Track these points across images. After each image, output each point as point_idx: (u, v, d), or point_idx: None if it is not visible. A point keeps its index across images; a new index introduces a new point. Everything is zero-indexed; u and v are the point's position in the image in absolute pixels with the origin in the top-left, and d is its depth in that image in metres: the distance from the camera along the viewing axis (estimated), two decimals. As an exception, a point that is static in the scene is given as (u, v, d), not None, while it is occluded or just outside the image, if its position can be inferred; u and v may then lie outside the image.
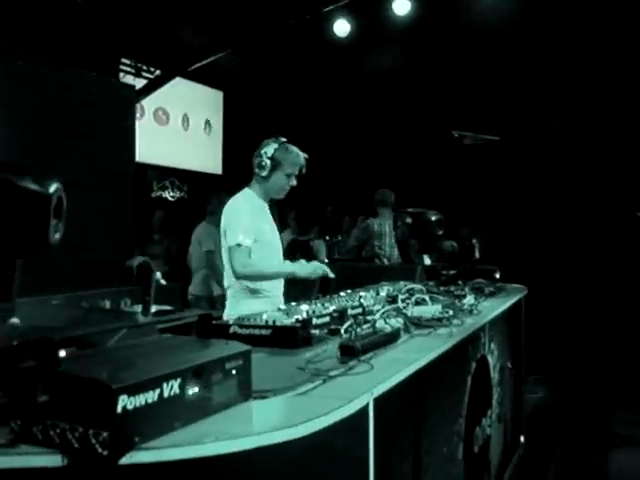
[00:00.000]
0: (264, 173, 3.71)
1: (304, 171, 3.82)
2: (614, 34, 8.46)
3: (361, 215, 8.94)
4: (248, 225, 3.65)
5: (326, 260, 7.63)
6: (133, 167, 7.59)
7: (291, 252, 5.88)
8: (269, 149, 3.70)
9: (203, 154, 11.12)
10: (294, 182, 3.79)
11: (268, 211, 3.91)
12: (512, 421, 4.68)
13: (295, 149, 3.77)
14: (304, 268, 3.73)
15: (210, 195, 7.08)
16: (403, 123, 10.59)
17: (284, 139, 3.77)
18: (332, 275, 3.72)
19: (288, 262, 3.93)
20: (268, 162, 3.69)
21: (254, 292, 3.71)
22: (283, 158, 3.70)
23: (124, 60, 9.12)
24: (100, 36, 7.79)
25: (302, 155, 3.78)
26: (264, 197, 3.84)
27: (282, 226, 6.85)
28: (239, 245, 3.60)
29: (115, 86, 7.67)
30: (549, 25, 8.51)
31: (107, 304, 5.28)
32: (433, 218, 5.43)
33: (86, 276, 5.89)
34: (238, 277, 3.66)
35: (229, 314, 3.53)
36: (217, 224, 6.78)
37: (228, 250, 3.66)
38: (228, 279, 3.77)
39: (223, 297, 4.02)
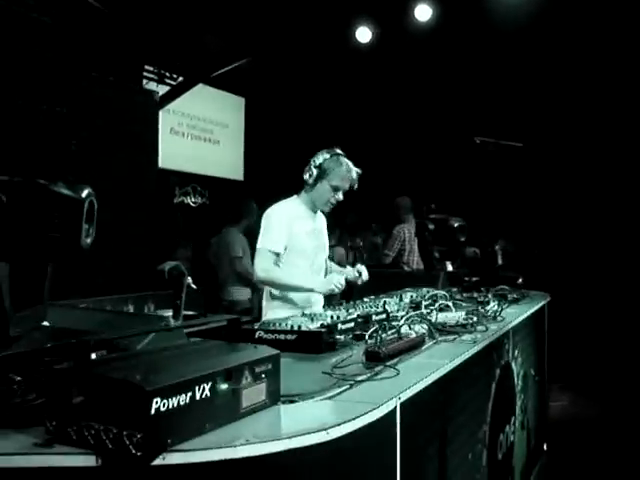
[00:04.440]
0: (310, 181, 3.67)
1: (355, 187, 3.73)
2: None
3: (376, 224, 8.97)
4: (280, 231, 3.60)
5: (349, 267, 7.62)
6: (156, 173, 7.65)
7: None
8: (319, 157, 3.65)
9: (225, 160, 11.17)
10: (340, 196, 3.71)
11: (316, 220, 3.83)
12: (536, 428, 4.65)
13: (347, 163, 3.68)
14: (324, 285, 3.62)
15: (238, 202, 7.07)
16: (425, 129, 10.58)
17: (339, 151, 3.70)
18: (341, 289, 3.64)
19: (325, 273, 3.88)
20: (314, 170, 3.64)
21: (280, 299, 3.69)
22: (330, 168, 3.63)
23: (147, 67, 9.20)
24: (123, 43, 7.86)
25: (354, 170, 3.70)
26: (310, 206, 3.77)
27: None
28: (264, 249, 3.59)
29: (138, 93, 7.74)
30: (574, 31, 8.46)
31: (131, 309, 5.33)
32: (455, 224, 5.42)
33: (111, 281, 5.95)
34: (256, 280, 3.67)
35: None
36: (243, 230, 6.80)
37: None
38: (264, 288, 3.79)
39: (250, 302, 4.01)
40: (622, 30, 8.30)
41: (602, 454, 5.10)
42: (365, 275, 3.82)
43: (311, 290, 3.67)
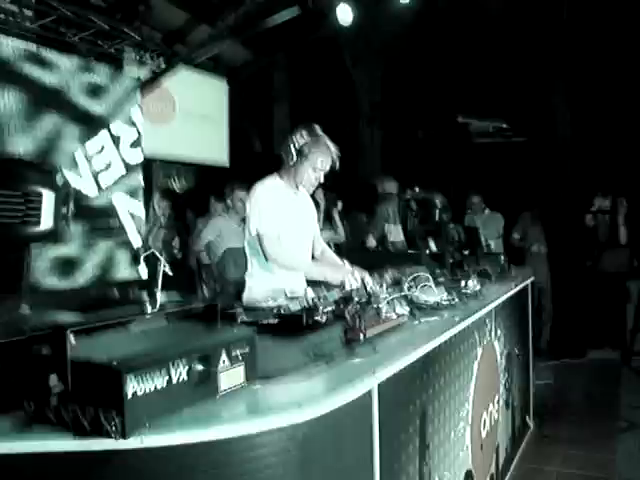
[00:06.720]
0: (290, 162, 3.54)
1: (336, 166, 3.61)
2: (634, 27, 8.39)
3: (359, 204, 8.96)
4: (274, 211, 3.49)
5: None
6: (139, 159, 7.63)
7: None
8: (298, 138, 3.52)
9: (209, 146, 11.08)
10: (321, 176, 3.60)
11: (299, 200, 3.72)
12: (520, 406, 4.70)
13: (326, 142, 3.55)
14: (336, 277, 3.46)
15: (225, 186, 6.93)
16: (409, 110, 10.57)
17: (318, 130, 3.57)
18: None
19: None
20: (294, 152, 3.52)
21: (264, 279, 3.58)
22: (311, 150, 3.50)
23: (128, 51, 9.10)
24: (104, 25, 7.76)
25: (334, 150, 3.57)
26: (292, 185, 3.65)
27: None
28: (264, 233, 3.47)
29: (119, 77, 7.67)
30: (558, 11, 8.45)
31: (116, 294, 5.32)
32: (439, 204, 5.42)
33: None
34: (271, 261, 3.51)
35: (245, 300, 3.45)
36: (234, 215, 6.65)
37: (257, 237, 3.52)
38: (250, 267, 3.65)
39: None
40: (607, 14, 8.31)
41: (588, 432, 5.14)
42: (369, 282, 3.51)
43: (324, 277, 3.49)
